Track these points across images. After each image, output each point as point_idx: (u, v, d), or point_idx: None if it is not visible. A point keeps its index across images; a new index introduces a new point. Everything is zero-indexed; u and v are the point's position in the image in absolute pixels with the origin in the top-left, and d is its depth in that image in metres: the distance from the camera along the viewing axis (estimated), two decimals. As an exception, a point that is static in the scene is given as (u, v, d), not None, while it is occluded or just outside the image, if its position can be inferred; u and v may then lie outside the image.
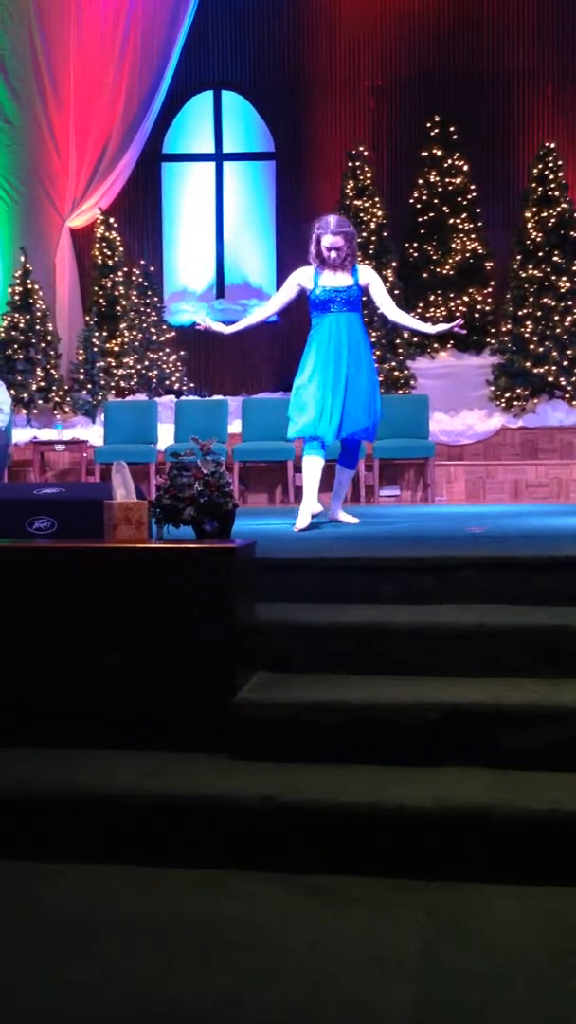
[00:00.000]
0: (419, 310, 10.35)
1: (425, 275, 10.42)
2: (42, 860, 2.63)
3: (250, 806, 2.59)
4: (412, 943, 2.16)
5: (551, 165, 10.14)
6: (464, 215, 10.44)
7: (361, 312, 5.38)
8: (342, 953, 2.13)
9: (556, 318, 9.90)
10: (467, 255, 10.40)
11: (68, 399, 10.25)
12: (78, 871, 2.57)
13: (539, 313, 9.93)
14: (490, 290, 10.44)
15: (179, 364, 10.63)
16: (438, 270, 10.39)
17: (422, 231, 10.45)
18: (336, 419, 5.25)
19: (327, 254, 5.25)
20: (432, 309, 10.37)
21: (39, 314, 10.28)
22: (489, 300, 10.42)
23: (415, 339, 10.27)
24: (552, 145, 10.22)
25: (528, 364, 9.85)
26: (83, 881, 2.53)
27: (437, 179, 10.45)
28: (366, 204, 10.25)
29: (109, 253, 10.57)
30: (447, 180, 10.44)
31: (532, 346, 9.87)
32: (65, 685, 3.04)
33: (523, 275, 10.03)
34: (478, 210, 10.49)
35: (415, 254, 10.46)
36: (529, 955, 2.11)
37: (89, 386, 10.16)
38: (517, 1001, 1.95)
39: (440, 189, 10.44)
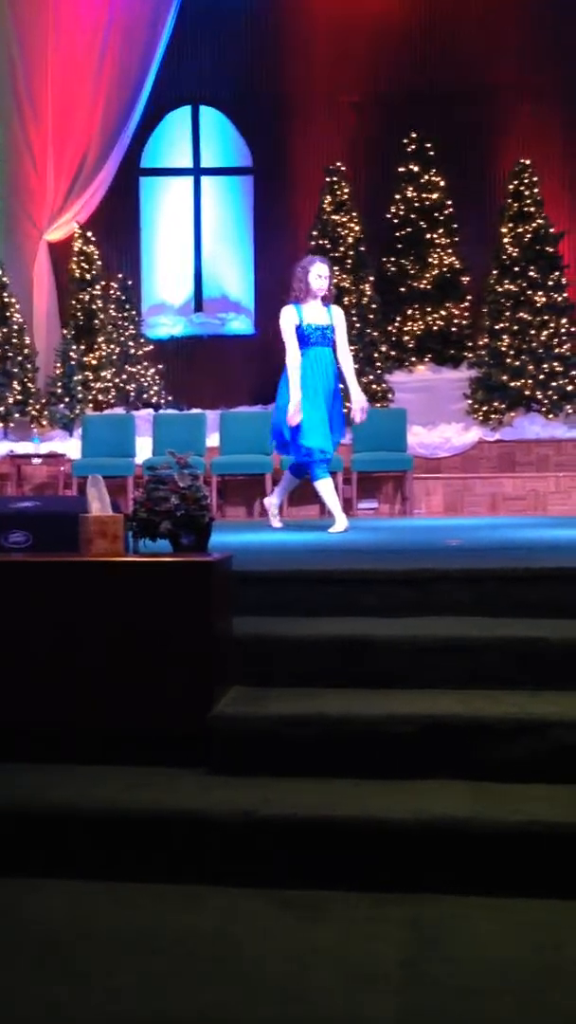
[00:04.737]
0: (396, 324, 10.40)
1: (402, 289, 10.46)
2: (21, 876, 2.60)
3: (228, 821, 2.57)
4: (393, 957, 2.15)
5: (527, 181, 10.22)
6: (441, 230, 10.50)
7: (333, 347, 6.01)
8: (323, 968, 2.11)
9: (532, 332, 9.96)
10: (444, 270, 10.45)
11: (45, 412, 10.21)
12: (57, 887, 2.55)
13: (515, 327, 9.99)
14: (467, 304, 10.49)
15: (157, 378, 10.61)
16: (415, 284, 10.44)
17: (399, 246, 10.50)
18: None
19: (317, 282, 5.87)
20: (410, 323, 10.41)
21: (16, 327, 10.24)
22: (466, 314, 10.47)
23: (392, 353, 10.30)
24: (527, 161, 10.30)
25: (505, 378, 9.90)
26: (62, 897, 2.50)
27: (414, 194, 10.50)
28: (344, 219, 10.29)
29: (87, 266, 10.56)
30: (424, 195, 10.50)
31: (509, 360, 9.92)
32: (42, 700, 3.01)
33: (499, 290, 10.09)
34: (455, 225, 10.55)
35: (392, 268, 10.51)
36: (510, 968, 2.10)
37: (67, 399, 10.13)
38: (499, 1015, 1.94)
39: (417, 204, 10.50)
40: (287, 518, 7.32)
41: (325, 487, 6.03)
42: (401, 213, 10.50)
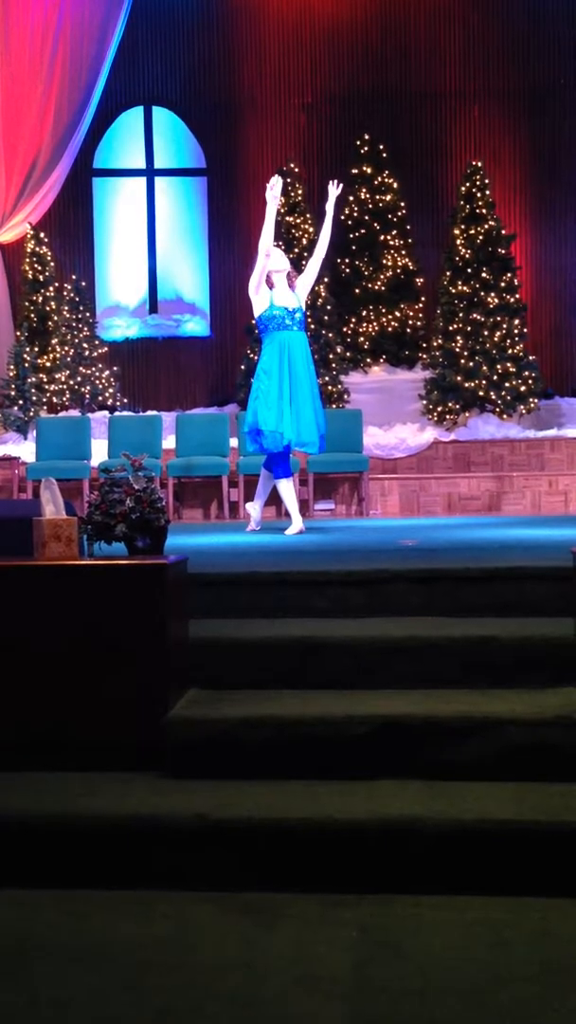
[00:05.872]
0: (351, 325, 10.43)
1: (357, 291, 10.50)
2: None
3: (182, 825, 2.57)
4: (345, 960, 2.16)
5: (478, 183, 10.30)
6: (394, 232, 10.56)
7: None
8: (275, 972, 2.11)
9: (485, 333, 10.05)
10: (398, 271, 10.51)
11: (-1, 415, 10.11)
12: (6, 896, 2.52)
13: (469, 328, 10.07)
14: (421, 306, 10.56)
15: (112, 379, 10.56)
16: (370, 286, 10.48)
17: (353, 247, 10.54)
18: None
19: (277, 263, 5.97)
20: (364, 324, 10.45)
21: (-32, 330, 10.14)
22: (420, 316, 10.54)
23: (348, 354, 10.33)
24: (479, 164, 10.39)
25: (459, 378, 9.98)
26: (12, 906, 2.48)
27: (367, 196, 10.55)
28: (297, 220, 10.30)
29: (40, 268, 10.46)
30: (377, 197, 10.55)
31: (463, 361, 10.00)
32: (-6, 706, 2.99)
33: (453, 291, 10.17)
34: (408, 227, 10.62)
35: (347, 270, 10.55)
36: (461, 968, 2.12)
37: (21, 402, 10.03)
38: (450, 1015, 1.95)
39: (371, 206, 10.55)
40: (243, 520, 7.31)
41: (286, 487, 6.06)
42: (355, 215, 10.54)
